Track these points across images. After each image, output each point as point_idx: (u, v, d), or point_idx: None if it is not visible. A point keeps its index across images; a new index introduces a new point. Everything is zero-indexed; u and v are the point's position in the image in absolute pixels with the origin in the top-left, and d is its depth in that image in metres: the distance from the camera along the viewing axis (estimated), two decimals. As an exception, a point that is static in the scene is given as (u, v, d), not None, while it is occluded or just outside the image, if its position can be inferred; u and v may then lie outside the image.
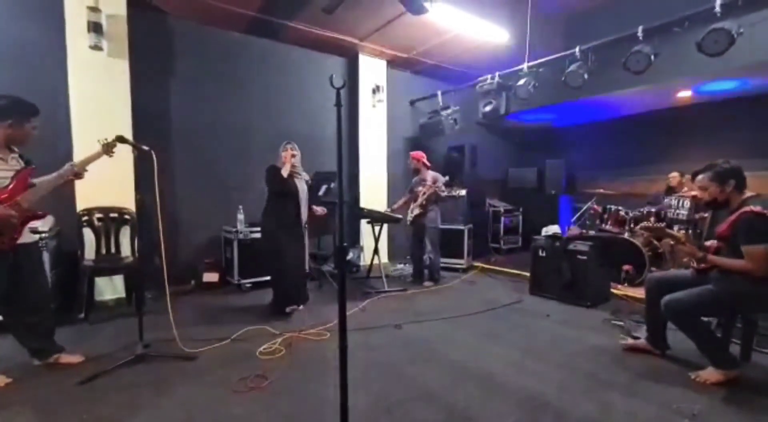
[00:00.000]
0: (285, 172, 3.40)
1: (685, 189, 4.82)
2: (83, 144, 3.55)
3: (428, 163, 4.78)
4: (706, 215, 3.62)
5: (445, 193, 4.76)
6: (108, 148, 2.34)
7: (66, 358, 2.44)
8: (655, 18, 3.69)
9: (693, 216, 4.13)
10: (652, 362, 2.55)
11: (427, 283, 4.66)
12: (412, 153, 4.82)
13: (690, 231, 4.06)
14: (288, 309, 3.45)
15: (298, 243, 3.58)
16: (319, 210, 3.80)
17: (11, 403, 2.01)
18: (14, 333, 2.36)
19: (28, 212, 2.17)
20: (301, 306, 3.57)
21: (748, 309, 2.37)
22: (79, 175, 2.31)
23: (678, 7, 3.61)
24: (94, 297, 3.53)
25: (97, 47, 3.56)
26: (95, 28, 3.51)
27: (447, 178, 4.66)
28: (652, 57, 3.62)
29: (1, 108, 2.14)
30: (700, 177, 2.37)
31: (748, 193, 2.24)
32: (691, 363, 2.45)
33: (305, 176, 3.69)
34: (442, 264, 4.82)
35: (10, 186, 2.13)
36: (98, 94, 3.69)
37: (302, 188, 3.58)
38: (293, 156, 3.48)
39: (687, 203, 4.20)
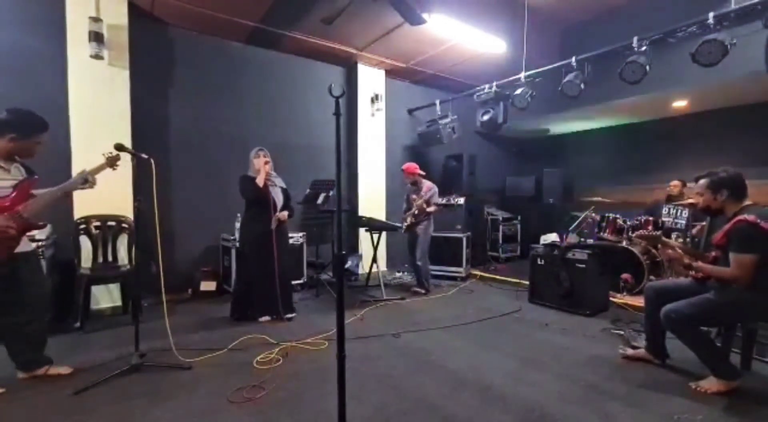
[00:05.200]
0: (261, 181, 3.32)
1: (687, 197, 4.80)
2: (82, 152, 3.57)
3: (422, 172, 4.71)
4: (704, 223, 3.63)
5: (442, 201, 4.68)
6: (112, 161, 2.35)
7: (54, 370, 2.40)
8: (650, 29, 3.74)
9: (691, 224, 4.13)
10: (652, 372, 2.54)
11: (415, 289, 4.63)
12: (404, 167, 4.70)
13: (688, 240, 4.06)
14: (261, 319, 3.46)
15: (269, 254, 3.38)
16: (282, 215, 3.51)
17: (4, 414, 1.98)
18: (6, 342, 2.32)
19: (27, 222, 2.16)
20: (293, 316, 3.55)
21: (748, 318, 2.36)
22: (91, 184, 2.31)
23: (672, 18, 3.68)
24: (90, 306, 3.50)
25: (97, 56, 3.59)
26: (96, 37, 3.54)
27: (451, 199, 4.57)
28: (648, 67, 3.66)
29: (7, 121, 2.14)
30: (699, 182, 2.41)
31: (746, 202, 2.25)
32: (691, 373, 2.44)
33: (280, 182, 3.58)
34: (440, 273, 4.80)
35: (12, 195, 2.12)
36: (98, 103, 3.71)
37: (278, 198, 3.49)
38: (266, 163, 3.38)
39: (685, 212, 4.21)
